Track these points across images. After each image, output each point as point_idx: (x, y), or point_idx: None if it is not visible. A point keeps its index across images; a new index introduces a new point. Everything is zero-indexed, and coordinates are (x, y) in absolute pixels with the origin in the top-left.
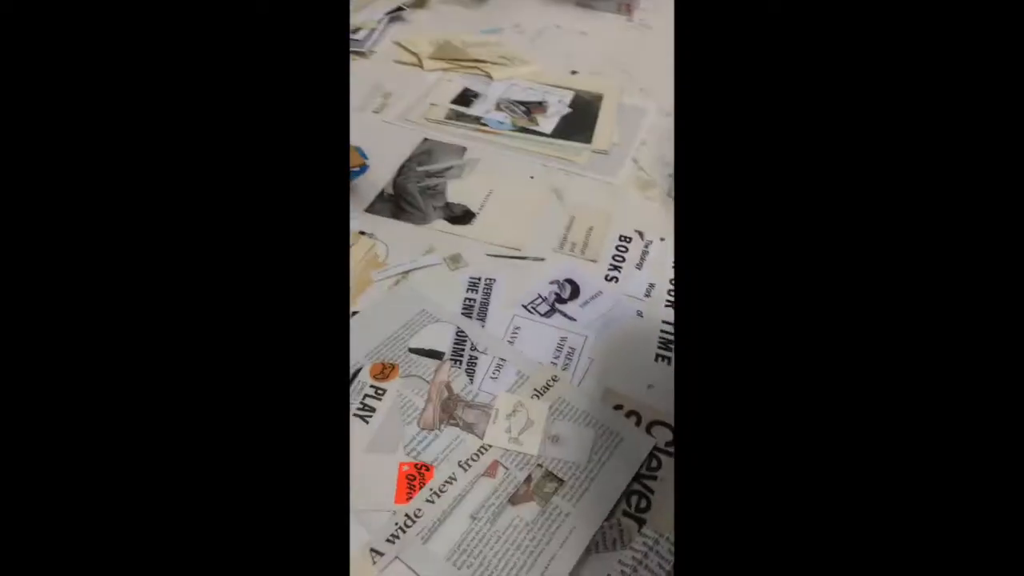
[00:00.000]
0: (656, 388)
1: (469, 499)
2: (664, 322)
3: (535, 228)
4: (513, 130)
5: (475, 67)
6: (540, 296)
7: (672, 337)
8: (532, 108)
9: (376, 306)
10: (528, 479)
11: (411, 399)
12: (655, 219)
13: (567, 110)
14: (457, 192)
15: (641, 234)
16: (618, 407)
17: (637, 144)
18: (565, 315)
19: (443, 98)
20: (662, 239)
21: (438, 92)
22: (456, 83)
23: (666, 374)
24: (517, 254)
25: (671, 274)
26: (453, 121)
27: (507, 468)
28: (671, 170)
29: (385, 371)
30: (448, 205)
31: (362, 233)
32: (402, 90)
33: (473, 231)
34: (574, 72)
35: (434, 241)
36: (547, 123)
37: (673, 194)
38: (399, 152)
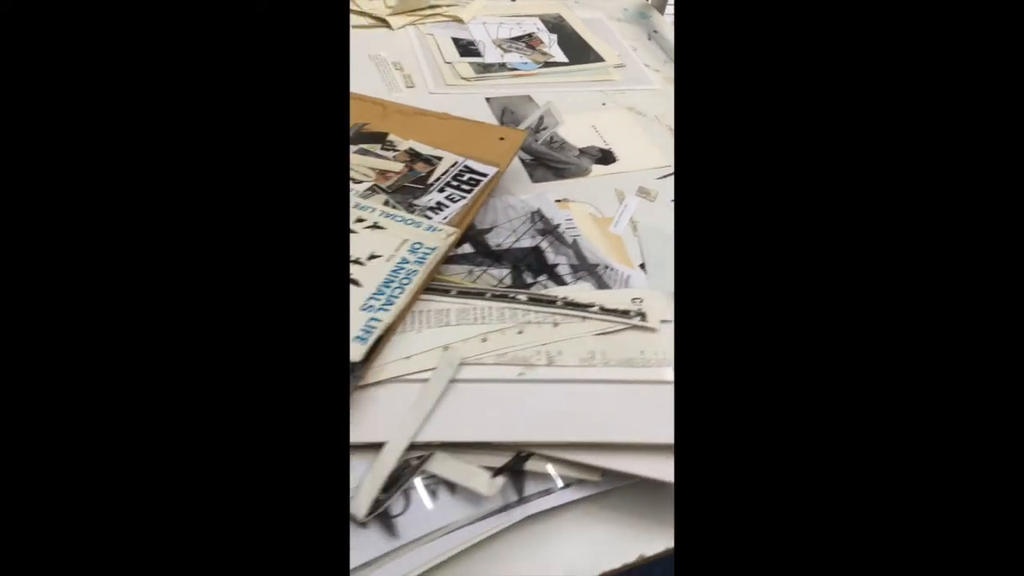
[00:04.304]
0: None
1: None
2: None
3: (656, 143)
4: (541, 67)
5: (437, 14)
6: None
7: None
8: (529, 42)
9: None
10: None
11: None
12: None
13: (555, 36)
14: (572, 137)
15: None
16: None
17: (630, 51)
18: None
19: (448, 56)
20: None
21: (432, 50)
22: (436, 36)
23: None
24: (671, 171)
25: None
26: (486, 75)
27: None
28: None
29: None
30: (582, 152)
31: (559, 201)
32: (402, 58)
33: (626, 164)
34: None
35: (610, 185)
36: (556, 53)
37: None
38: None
